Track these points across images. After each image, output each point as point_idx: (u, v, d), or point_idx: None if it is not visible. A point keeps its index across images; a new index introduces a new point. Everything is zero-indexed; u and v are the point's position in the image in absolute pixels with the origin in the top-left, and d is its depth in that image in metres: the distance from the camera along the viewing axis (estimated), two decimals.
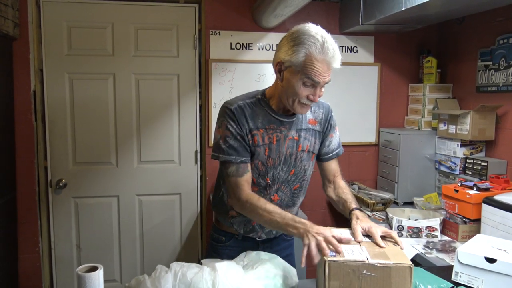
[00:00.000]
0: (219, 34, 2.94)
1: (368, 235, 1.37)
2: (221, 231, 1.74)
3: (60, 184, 2.84)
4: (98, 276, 1.17)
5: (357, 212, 1.49)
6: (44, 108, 2.82)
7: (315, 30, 1.45)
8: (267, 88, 1.62)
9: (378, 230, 1.36)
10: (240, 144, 1.53)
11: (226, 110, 1.55)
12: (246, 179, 1.54)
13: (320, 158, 1.72)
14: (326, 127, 1.68)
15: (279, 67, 1.48)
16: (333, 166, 1.73)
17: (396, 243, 1.33)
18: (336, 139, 1.73)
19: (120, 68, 2.87)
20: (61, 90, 2.82)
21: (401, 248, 1.31)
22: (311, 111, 1.64)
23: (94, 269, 1.18)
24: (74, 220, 2.92)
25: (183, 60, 2.94)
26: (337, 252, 1.23)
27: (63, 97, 2.82)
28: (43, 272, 2.89)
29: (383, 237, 1.36)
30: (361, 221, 1.42)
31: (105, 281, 1.23)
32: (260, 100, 1.58)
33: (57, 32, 2.78)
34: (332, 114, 1.71)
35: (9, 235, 2.71)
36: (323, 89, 1.48)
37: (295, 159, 1.61)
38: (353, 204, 1.56)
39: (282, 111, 1.57)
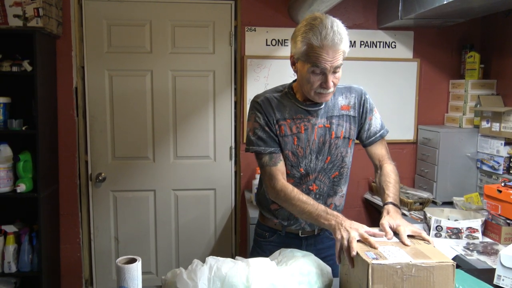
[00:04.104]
0: (255, 30, 2.95)
1: (395, 232, 1.33)
2: (265, 227, 1.75)
3: (100, 178, 2.93)
4: (136, 268, 1.20)
5: (388, 207, 1.45)
6: (85, 104, 2.91)
7: (314, 17, 1.45)
8: (293, 81, 1.65)
9: (407, 229, 1.31)
10: (268, 135, 1.57)
11: (254, 103, 1.61)
12: (280, 169, 1.56)
13: (364, 143, 1.69)
14: (361, 111, 1.65)
15: (292, 60, 1.54)
16: (378, 150, 1.68)
17: (426, 241, 1.28)
18: (377, 121, 1.68)
19: (158, 65, 2.93)
20: (101, 87, 2.90)
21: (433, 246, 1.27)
22: (342, 97, 1.63)
23: (132, 261, 1.21)
24: (113, 213, 3.01)
25: (218, 57, 2.96)
26: (373, 247, 1.21)
27: (103, 93, 2.91)
28: (83, 262, 3.00)
29: (411, 236, 1.31)
30: (390, 217, 1.38)
31: (142, 273, 1.26)
32: (287, 93, 1.61)
33: (97, 30, 2.86)
34: (367, 96, 1.66)
35: (52, 226, 2.83)
36: (337, 74, 1.47)
37: (329, 146, 1.60)
38: (389, 196, 1.51)
39: (309, 101, 1.58)
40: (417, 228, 1.34)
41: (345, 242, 1.27)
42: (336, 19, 1.45)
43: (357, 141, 1.71)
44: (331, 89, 1.48)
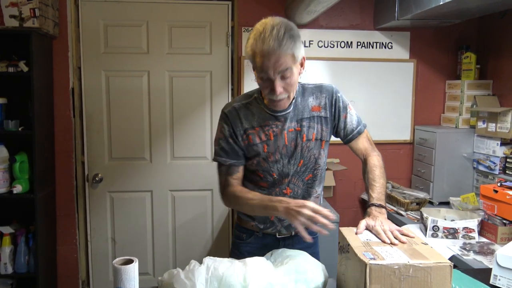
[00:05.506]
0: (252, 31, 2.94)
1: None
2: (242, 228, 1.75)
3: (97, 178, 2.92)
4: (133, 269, 1.20)
5: (370, 209, 1.46)
6: (81, 105, 2.90)
7: (262, 22, 1.42)
8: None
9: (379, 228, 1.34)
10: (231, 147, 1.58)
11: (222, 113, 1.62)
12: (236, 177, 1.61)
13: (344, 141, 1.68)
14: (333, 110, 1.61)
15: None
16: (359, 145, 1.66)
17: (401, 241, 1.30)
18: (352, 117, 1.64)
19: (155, 65, 2.92)
20: (98, 87, 2.90)
21: (412, 237, 1.31)
22: (313, 97, 1.59)
23: (129, 262, 1.21)
24: (110, 214, 3.00)
25: (215, 57, 2.96)
26: (328, 218, 1.29)
27: (100, 94, 2.90)
28: (80, 263, 2.99)
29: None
30: (370, 218, 1.41)
31: (139, 274, 1.26)
32: (257, 98, 1.59)
33: (94, 30, 2.86)
34: (339, 95, 1.62)
35: (49, 227, 2.82)
36: (288, 80, 1.42)
37: (301, 149, 1.58)
38: (373, 197, 1.50)
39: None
40: (393, 227, 1.36)
41: (304, 222, 1.31)
42: (286, 23, 1.41)
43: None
44: (282, 96, 1.45)
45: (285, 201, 1.38)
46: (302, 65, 1.49)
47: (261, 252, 1.50)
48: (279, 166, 1.59)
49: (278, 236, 1.70)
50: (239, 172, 1.61)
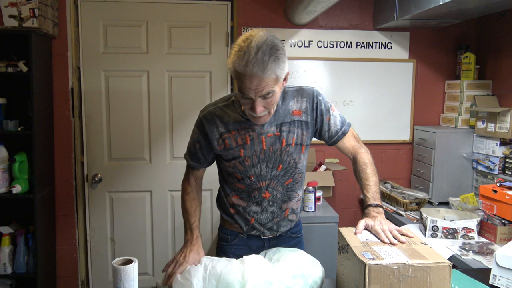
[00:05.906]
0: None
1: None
2: (227, 230, 1.74)
3: (96, 179, 2.92)
4: (133, 269, 1.20)
5: (368, 210, 1.46)
6: (81, 105, 2.90)
7: (246, 37, 1.36)
8: None
9: (379, 228, 1.35)
10: (194, 151, 1.65)
11: (198, 118, 1.64)
12: (194, 173, 1.71)
13: (329, 143, 1.66)
14: (315, 114, 1.58)
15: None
16: (346, 144, 1.64)
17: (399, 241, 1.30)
18: (336, 119, 1.61)
19: (154, 66, 2.92)
20: (97, 87, 2.89)
21: (412, 237, 1.32)
22: (294, 101, 1.56)
23: (129, 262, 1.21)
24: (109, 214, 3.00)
25: (215, 58, 2.96)
26: (170, 275, 1.41)
27: (99, 94, 2.90)
28: (79, 263, 2.98)
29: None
30: (370, 218, 1.41)
31: (138, 274, 1.25)
32: (234, 102, 1.57)
33: (94, 30, 2.86)
34: (320, 98, 1.58)
35: (48, 227, 2.82)
36: (269, 100, 1.38)
37: (281, 154, 1.56)
38: (368, 198, 1.50)
39: None
40: (392, 227, 1.36)
41: (176, 266, 1.44)
42: (271, 42, 1.33)
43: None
44: (263, 113, 1.41)
45: (189, 241, 1.55)
46: (285, 79, 1.44)
47: (246, 254, 1.49)
48: (256, 170, 1.57)
49: (262, 237, 1.70)
50: (198, 172, 1.71)
